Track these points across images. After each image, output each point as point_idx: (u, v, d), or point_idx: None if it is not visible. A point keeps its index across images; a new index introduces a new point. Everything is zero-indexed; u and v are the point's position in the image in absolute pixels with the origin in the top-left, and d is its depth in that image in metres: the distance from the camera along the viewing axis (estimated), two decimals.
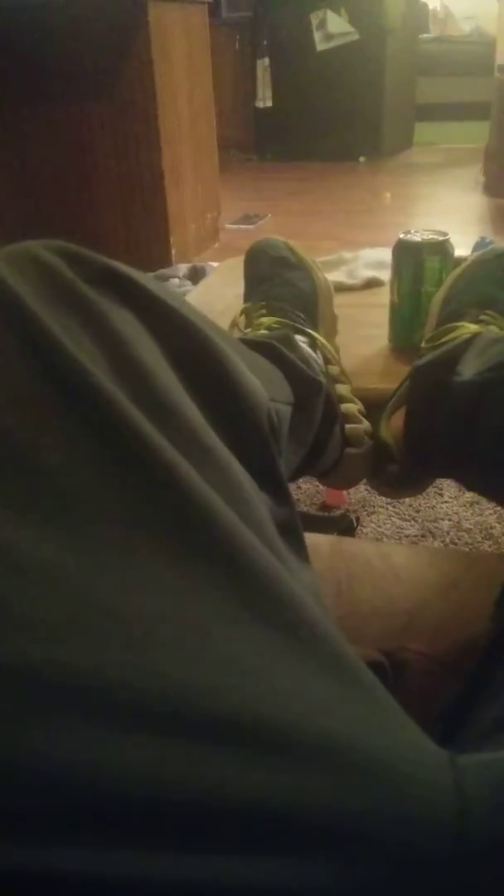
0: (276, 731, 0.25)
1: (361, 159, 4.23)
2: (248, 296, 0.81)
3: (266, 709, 0.26)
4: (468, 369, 0.58)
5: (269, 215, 3.25)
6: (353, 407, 0.72)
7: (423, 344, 0.71)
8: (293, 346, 0.65)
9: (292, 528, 0.41)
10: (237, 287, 1.15)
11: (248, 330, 0.74)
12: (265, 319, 0.73)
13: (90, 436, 0.32)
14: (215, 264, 1.86)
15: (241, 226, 3.14)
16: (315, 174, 4.07)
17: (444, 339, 0.67)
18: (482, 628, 0.51)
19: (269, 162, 4.45)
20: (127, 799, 0.23)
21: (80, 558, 0.28)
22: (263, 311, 0.75)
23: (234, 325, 0.78)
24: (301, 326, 0.73)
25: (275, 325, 0.72)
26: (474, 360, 0.59)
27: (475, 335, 0.64)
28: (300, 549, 0.41)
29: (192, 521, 0.31)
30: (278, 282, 0.78)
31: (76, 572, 0.28)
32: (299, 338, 0.71)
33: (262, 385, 0.45)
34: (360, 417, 0.72)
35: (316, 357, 0.71)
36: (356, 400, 0.74)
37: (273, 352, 0.59)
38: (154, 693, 0.25)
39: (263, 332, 0.71)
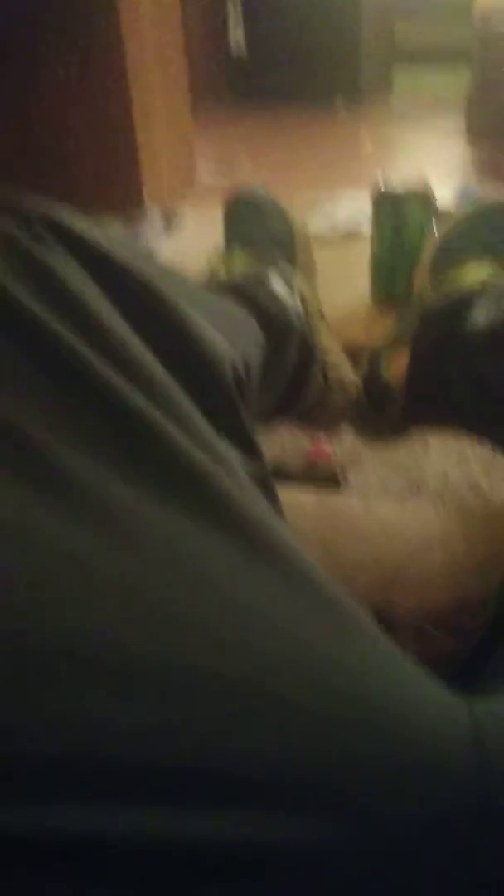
0: (288, 689, 0.25)
1: (339, 102, 4.13)
2: (227, 247, 0.79)
3: (276, 668, 0.25)
4: (482, 317, 0.57)
5: (245, 164, 3.18)
6: (334, 350, 0.71)
7: (428, 289, 0.68)
8: (263, 286, 0.63)
9: (265, 483, 0.40)
10: (212, 237, 1.12)
11: (224, 273, 0.73)
12: (241, 262, 0.72)
13: (63, 395, 0.31)
14: (190, 214, 1.81)
15: (217, 175, 3.07)
16: (292, 122, 3.97)
17: (449, 288, 0.66)
18: (471, 584, 0.51)
19: (243, 108, 4.33)
20: (134, 758, 0.22)
21: (65, 521, 0.27)
22: (242, 255, 0.74)
23: (213, 273, 0.76)
24: (275, 261, 0.71)
25: (250, 266, 0.71)
26: (488, 308, 0.57)
27: (488, 284, 0.62)
28: (275, 504, 0.40)
29: (183, 478, 0.31)
30: (256, 228, 0.77)
31: (62, 534, 0.27)
32: (273, 277, 0.68)
33: (228, 334, 0.44)
34: (346, 364, 0.71)
35: (291, 295, 0.69)
36: (338, 345, 0.73)
37: (242, 293, 0.58)
38: (156, 654, 0.25)
39: (237, 275, 0.70)
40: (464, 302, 0.60)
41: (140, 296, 0.38)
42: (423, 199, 0.85)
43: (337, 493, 0.88)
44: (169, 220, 2.35)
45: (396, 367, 0.66)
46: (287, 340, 0.61)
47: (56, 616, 0.25)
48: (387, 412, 0.66)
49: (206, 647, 0.25)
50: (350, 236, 1.09)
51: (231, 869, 0.22)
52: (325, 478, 0.92)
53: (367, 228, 0.99)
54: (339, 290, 0.83)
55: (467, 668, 0.40)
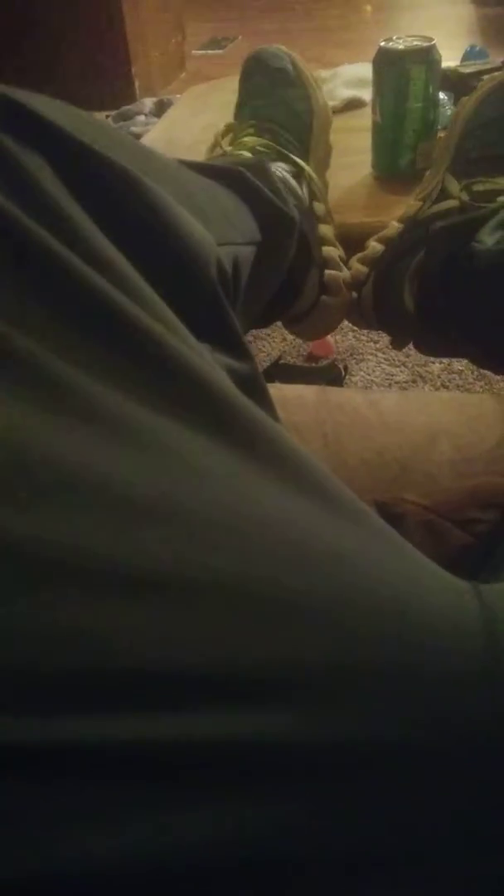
0: (292, 586, 0.24)
1: None
2: (239, 111, 0.72)
3: (278, 565, 0.25)
4: (489, 237, 0.52)
5: (240, 37, 2.97)
6: (334, 251, 0.67)
7: (460, 194, 0.61)
8: (266, 176, 0.58)
9: (256, 385, 0.39)
10: (205, 117, 1.05)
11: (230, 148, 0.66)
12: (249, 139, 0.66)
13: (32, 292, 0.29)
14: (181, 98, 1.70)
15: (210, 51, 2.88)
16: None
17: (481, 189, 0.60)
18: (480, 475, 0.49)
19: None
20: (141, 665, 0.22)
21: (50, 427, 0.26)
22: (251, 129, 0.67)
23: (216, 144, 0.70)
24: (287, 153, 0.65)
25: (260, 148, 0.65)
26: (498, 229, 0.53)
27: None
28: (266, 406, 0.39)
29: (173, 377, 0.29)
30: (272, 100, 0.69)
31: (49, 440, 0.26)
32: (282, 166, 0.64)
33: (216, 226, 0.42)
34: (341, 264, 0.67)
35: (298, 189, 0.64)
36: (338, 244, 0.68)
37: (240, 182, 0.53)
38: (155, 559, 0.24)
39: (244, 153, 0.64)
40: (478, 220, 0.54)
41: (111, 183, 0.36)
42: (427, 56, 0.77)
43: (339, 387, 0.85)
44: (161, 111, 2.22)
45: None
46: (286, 239, 0.57)
47: (52, 528, 0.23)
48: (398, 341, 0.63)
49: (207, 548, 0.24)
50: (350, 106, 1.01)
51: (242, 769, 0.21)
52: (327, 372, 0.89)
53: (367, 96, 0.91)
54: (337, 166, 0.76)
55: (481, 562, 0.39)
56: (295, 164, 0.65)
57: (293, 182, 0.64)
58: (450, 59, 0.94)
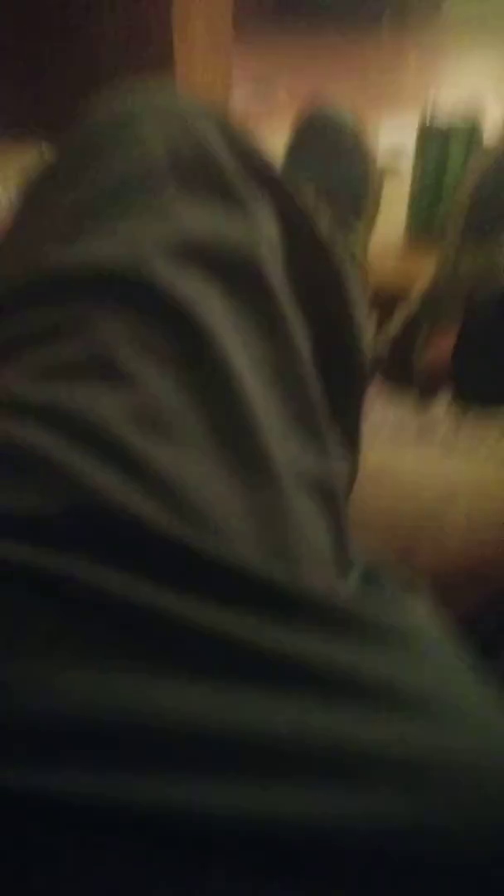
0: (339, 675, 0.24)
1: (386, 21, 3.90)
2: (292, 169, 0.72)
3: (322, 656, 0.25)
4: None
5: (284, 91, 3.05)
6: (363, 308, 0.69)
7: (469, 251, 0.65)
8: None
9: (352, 481, 0.39)
10: None
11: None
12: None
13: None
14: None
15: (254, 102, 2.95)
16: (333, 41, 3.77)
17: (491, 254, 0.63)
18: (492, 536, 0.50)
19: (281, 30, 4.12)
20: (170, 728, 0.22)
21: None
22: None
23: None
24: (344, 216, 0.68)
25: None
26: None
27: None
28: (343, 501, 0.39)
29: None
30: (332, 162, 0.71)
31: None
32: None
33: None
34: (368, 327, 0.70)
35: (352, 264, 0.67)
36: (370, 313, 0.70)
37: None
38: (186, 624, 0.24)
39: None
40: None
41: (318, 256, 0.38)
42: (469, 137, 0.80)
43: None
44: None
45: (435, 350, 0.63)
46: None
47: None
48: (428, 406, 0.65)
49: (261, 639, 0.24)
50: (390, 166, 1.04)
51: (273, 846, 0.21)
52: None
53: (407, 159, 0.94)
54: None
55: (493, 617, 0.40)
56: (349, 237, 0.68)
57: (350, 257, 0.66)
58: (496, 105, 0.95)
